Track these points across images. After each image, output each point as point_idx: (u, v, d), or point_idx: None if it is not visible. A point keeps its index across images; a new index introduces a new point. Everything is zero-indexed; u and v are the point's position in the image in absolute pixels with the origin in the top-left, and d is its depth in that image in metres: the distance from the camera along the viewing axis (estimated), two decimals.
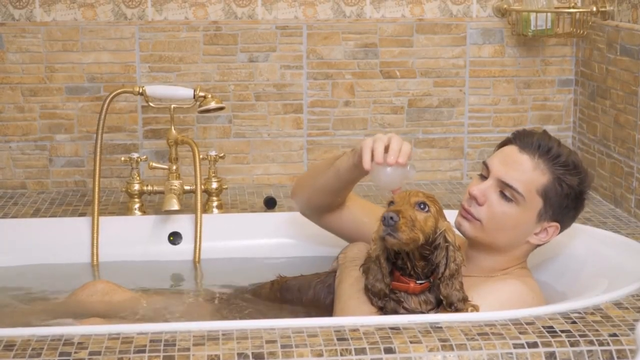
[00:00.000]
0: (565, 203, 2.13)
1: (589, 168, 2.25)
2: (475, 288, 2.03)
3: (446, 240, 1.96)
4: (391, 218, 1.89)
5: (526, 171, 2.10)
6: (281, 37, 3.14)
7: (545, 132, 2.18)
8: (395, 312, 1.98)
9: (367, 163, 2.03)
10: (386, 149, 2.03)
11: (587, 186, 2.16)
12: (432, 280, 1.99)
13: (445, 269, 1.95)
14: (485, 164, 2.17)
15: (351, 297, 2.07)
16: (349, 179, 2.21)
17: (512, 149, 2.15)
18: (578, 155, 2.20)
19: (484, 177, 2.15)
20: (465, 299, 1.96)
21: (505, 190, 2.10)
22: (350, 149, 2.16)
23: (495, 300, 2.02)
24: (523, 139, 2.14)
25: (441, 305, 1.98)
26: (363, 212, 2.34)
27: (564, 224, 2.17)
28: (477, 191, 2.12)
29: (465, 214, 2.14)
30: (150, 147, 3.16)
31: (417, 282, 1.98)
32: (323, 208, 2.33)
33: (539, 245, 2.19)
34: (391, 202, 1.97)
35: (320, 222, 2.39)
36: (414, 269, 1.97)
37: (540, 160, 2.11)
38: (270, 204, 2.89)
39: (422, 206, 1.95)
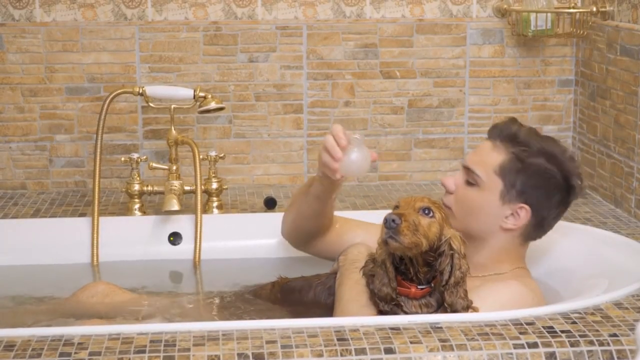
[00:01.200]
0: (525, 181, 2.11)
1: (567, 151, 2.19)
2: (475, 289, 2.02)
3: (451, 248, 1.94)
4: (393, 220, 1.88)
5: (484, 153, 2.16)
6: (281, 37, 3.14)
7: (512, 118, 2.22)
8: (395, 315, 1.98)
9: (336, 176, 2.06)
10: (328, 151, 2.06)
11: (550, 160, 2.13)
12: (433, 285, 1.98)
13: (450, 277, 1.94)
14: None
15: (352, 300, 2.07)
16: (329, 196, 2.22)
17: (483, 141, 2.22)
18: (553, 140, 2.19)
19: None
20: (469, 307, 1.95)
21: (468, 176, 2.16)
22: (316, 175, 2.18)
23: (495, 302, 2.01)
24: (492, 130, 2.20)
25: (442, 307, 1.98)
26: (358, 226, 2.36)
27: (537, 207, 2.13)
28: (445, 180, 2.20)
29: (441, 204, 2.15)
30: (150, 147, 3.17)
31: (419, 287, 1.98)
32: (314, 233, 2.34)
33: (527, 238, 2.18)
34: (396, 207, 1.97)
35: (316, 250, 2.40)
36: (416, 274, 1.96)
37: (499, 141, 2.16)
38: (270, 204, 2.89)
39: (426, 212, 1.94)
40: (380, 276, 1.98)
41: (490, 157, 2.14)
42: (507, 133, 2.16)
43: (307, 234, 2.35)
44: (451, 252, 1.94)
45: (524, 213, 2.14)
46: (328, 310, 2.16)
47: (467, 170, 2.16)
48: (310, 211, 2.27)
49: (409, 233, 1.88)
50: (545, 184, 2.14)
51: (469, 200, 2.15)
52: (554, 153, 2.14)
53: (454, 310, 1.94)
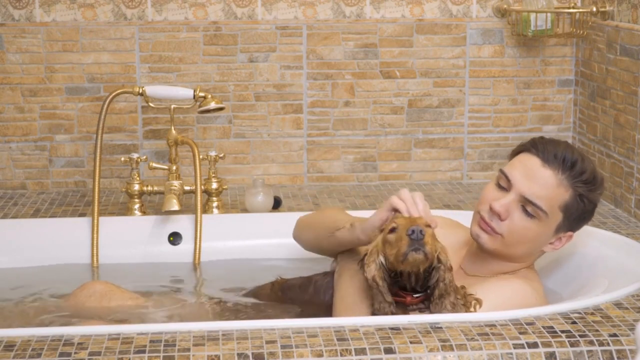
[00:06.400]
0: (583, 216, 2.14)
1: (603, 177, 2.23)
2: (479, 285, 2.03)
3: (440, 261, 1.93)
4: (420, 231, 1.84)
5: (550, 188, 2.07)
6: (281, 38, 3.14)
7: (568, 144, 2.13)
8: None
9: None
10: None
11: (601, 194, 2.16)
12: (429, 291, 1.96)
13: (435, 290, 1.93)
14: (504, 174, 2.11)
15: (351, 293, 2.06)
16: (353, 246, 2.17)
17: (534, 162, 2.09)
18: (595, 165, 2.18)
19: (502, 188, 2.11)
20: (475, 299, 1.95)
21: (528, 206, 2.07)
22: (349, 224, 2.12)
23: (498, 298, 2.01)
24: (545, 151, 2.09)
25: None
26: None
27: (577, 231, 2.18)
28: (499, 207, 2.08)
29: (485, 226, 2.11)
30: (150, 147, 3.17)
31: (414, 295, 1.96)
32: (327, 254, 2.33)
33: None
34: (393, 228, 1.91)
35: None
36: (414, 289, 1.94)
37: (564, 176, 2.07)
38: (275, 204, 2.88)
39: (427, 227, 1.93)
40: (377, 296, 1.95)
41: (556, 194, 2.07)
42: (575, 169, 2.08)
43: (320, 252, 2.34)
44: (439, 264, 1.93)
45: (567, 239, 2.15)
46: (328, 304, 2.16)
47: (527, 201, 2.07)
48: (329, 248, 2.24)
49: (431, 242, 1.86)
50: (591, 216, 2.17)
51: (525, 230, 2.09)
52: (603, 185, 2.16)
53: None
